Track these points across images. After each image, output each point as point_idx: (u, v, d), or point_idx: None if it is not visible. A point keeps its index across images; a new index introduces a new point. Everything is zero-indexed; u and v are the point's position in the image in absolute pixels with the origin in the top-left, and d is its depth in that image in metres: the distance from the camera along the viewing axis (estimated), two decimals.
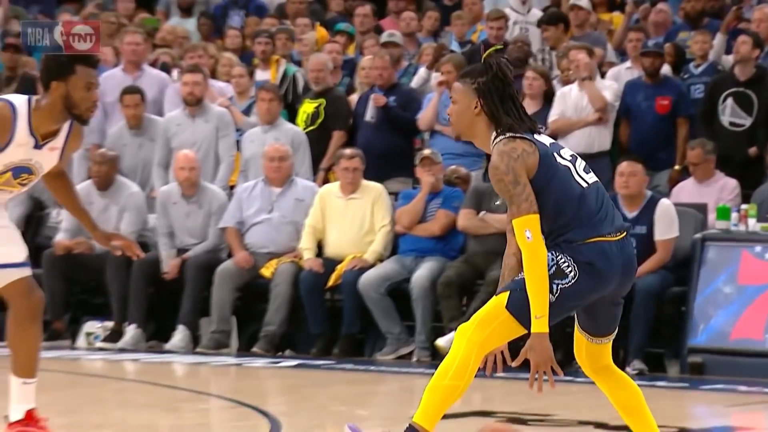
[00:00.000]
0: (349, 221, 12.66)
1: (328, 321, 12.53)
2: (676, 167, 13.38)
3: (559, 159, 6.16)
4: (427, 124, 13.71)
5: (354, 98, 14.18)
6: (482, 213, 12.33)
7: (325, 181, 13.55)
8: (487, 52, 6.31)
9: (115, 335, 12.94)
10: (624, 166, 11.88)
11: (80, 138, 7.21)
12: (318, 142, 13.71)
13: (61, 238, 13.29)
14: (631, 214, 11.77)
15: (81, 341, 13.19)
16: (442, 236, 12.51)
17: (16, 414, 7.17)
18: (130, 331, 12.85)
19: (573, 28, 15.01)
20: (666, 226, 11.78)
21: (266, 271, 12.63)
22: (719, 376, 11.39)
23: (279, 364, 12.00)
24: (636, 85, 13.63)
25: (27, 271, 7.12)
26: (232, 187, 13.61)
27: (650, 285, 11.59)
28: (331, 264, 12.47)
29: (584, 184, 6.18)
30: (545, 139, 6.21)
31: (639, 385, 10.65)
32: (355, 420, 9.11)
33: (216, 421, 9.54)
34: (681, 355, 11.79)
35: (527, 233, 6.01)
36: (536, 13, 15.73)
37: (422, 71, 14.62)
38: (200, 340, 12.79)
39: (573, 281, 6.07)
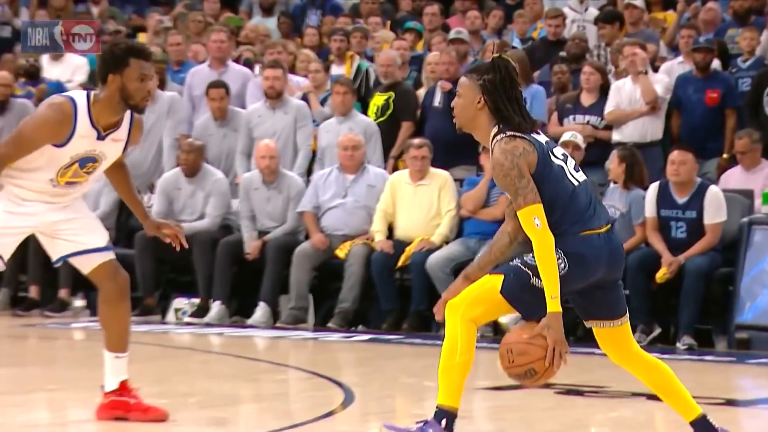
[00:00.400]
0: (418, 206, 12.65)
1: (398, 298, 12.53)
2: (724, 156, 13.26)
3: (553, 158, 6.14)
4: None
5: (421, 92, 14.14)
6: None
7: (395, 168, 13.52)
8: (497, 52, 6.31)
9: (201, 311, 13.00)
10: (675, 155, 11.79)
11: (141, 130, 7.18)
12: (388, 132, 13.70)
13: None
14: (681, 200, 11.69)
15: (170, 316, 13.27)
16: (504, 220, 12.44)
17: (111, 385, 7.20)
18: (215, 307, 12.90)
19: (627, 26, 14.93)
20: (714, 211, 11.67)
21: (341, 252, 12.63)
22: (764, 351, 11.29)
23: (352, 338, 12.00)
24: (687, 79, 13.51)
25: (110, 255, 7.12)
26: (309, 174, 13.62)
27: (699, 266, 11.50)
28: (400, 245, 12.45)
29: (575, 182, 6.15)
30: (542, 138, 6.18)
31: (688, 360, 10.63)
32: (421, 391, 9.09)
33: (294, 391, 9.55)
34: (728, 332, 11.70)
35: (536, 221, 6.00)
36: (593, 12, 15.65)
37: None
38: (280, 316, 12.81)
39: (563, 271, 6.01)
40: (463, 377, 6.22)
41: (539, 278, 6.03)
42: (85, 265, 7.12)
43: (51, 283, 13.46)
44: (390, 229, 12.70)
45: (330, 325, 12.49)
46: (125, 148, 7.07)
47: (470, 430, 7.41)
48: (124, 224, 14.01)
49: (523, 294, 6.09)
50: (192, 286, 13.26)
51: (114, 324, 7.19)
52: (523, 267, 6.11)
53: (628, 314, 6.36)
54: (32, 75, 15.88)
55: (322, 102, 14.27)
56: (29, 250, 12.45)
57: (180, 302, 13.29)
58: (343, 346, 11.78)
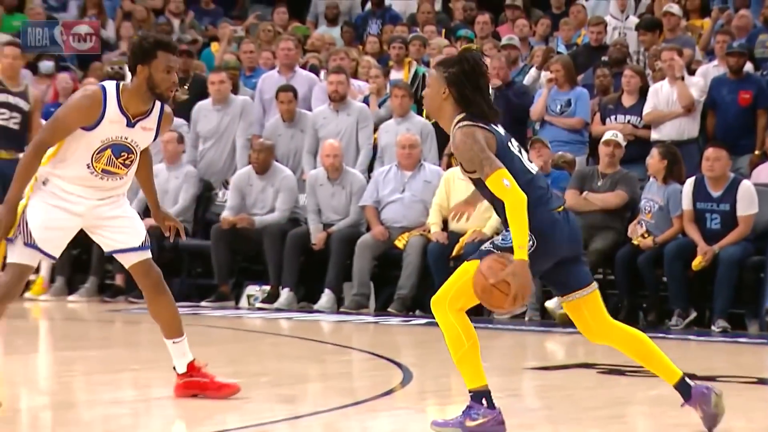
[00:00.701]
0: None
1: None
2: (756, 152, 13.15)
3: (512, 147, 6.16)
4: (538, 115, 13.61)
5: None
6: (585, 193, 12.22)
7: (449, 165, 13.49)
8: (463, 47, 6.31)
9: (271, 297, 13.02)
10: (710, 152, 11.71)
11: (171, 121, 7.16)
12: (441, 131, 13.60)
13: (226, 215, 13.38)
14: (716, 194, 11.61)
15: (243, 302, 13.30)
16: None
17: (180, 368, 7.20)
18: (284, 293, 12.92)
19: (666, 32, 14.83)
20: (747, 204, 11.58)
21: (399, 243, 12.63)
22: None
23: (410, 322, 11.99)
24: (721, 81, 13.41)
25: (144, 255, 7.07)
26: (370, 171, 13.62)
27: (733, 254, 11.43)
28: (454, 236, 12.42)
29: (533, 170, 6.18)
30: (501, 130, 6.18)
31: (723, 342, 10.54)
32: None
33: (356, 370, 9.55)
34: (760, 315, 11.61)
35: (505, 182, 5.95)
36: (633, 20, 15.57)
37: (533, 71, 14.50)
38: (343, 302, 12.82)
39: (533, 249, 6.00)
40: (478, 357, 6.22)
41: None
42: (125, 262, 7.12)
43: None
44: (444, 222, 12.67)
45: (390, 310, 12.48)
46: (156, 137, 7.03)
47: (519, 407, 7.39)
48: (201, 218, 14.07)
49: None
50: (263, 274, 13.29)
51: (161, 315, 7.18)
52: (494, 251, 6.09)
53: (595, 284, 6.33)
54: (117, 79, 15.93)
55: (381, 104, 14.27)
56: None
57: (252, 289, 13.33)
58: (402, 329, 11.77)
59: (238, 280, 13.61)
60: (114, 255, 7.13)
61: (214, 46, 17.22)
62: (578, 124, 13.54)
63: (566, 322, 11.71)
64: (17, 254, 6.75)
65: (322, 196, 13.13)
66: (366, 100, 14.30)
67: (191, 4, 18.85)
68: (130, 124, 6.87)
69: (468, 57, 6.18)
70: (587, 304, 6.29)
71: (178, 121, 14.49)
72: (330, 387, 8.44)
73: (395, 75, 14.97)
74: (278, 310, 12.80)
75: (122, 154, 6.88)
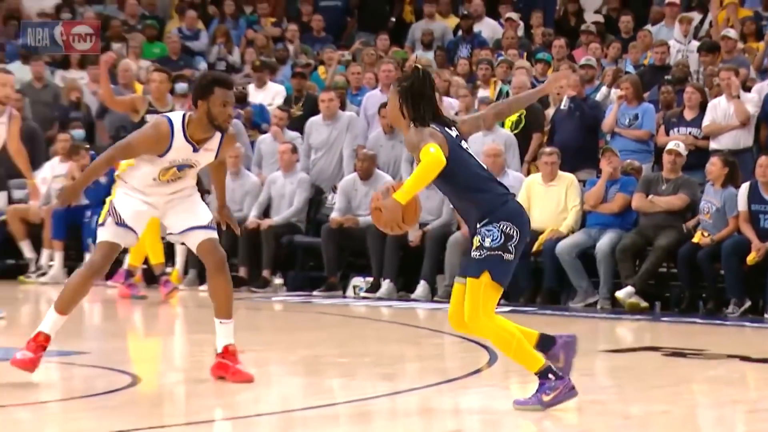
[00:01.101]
0: (549, 202, 12.54)
1: (533, 277, 12.43)
2: None
3: (464, 146, 6.20)
4: (609, 127, 13.48)
5: (549, 111, 14.01)
6: (651, 196, 12.11)
7: (529, 171, 13.41)
8: (414, 64, 6.38)
9: (374, 287, 13.03)
10: (763, 160, 11.60)
11: (234, 141, 7.21)
12: (522, 142, 13.61)
13: (334, 215, 13.42)
14: None
15: (349, 292, 13.32)
16: (620, 213, 12.31)
17: (219, 348, 7.12)
18: (385, 284, 12.92)
19: (723, 54, 14.62)
20: None
21: None
22: None
23: (495, 310, 11.90)
24: None
25: (211, 233, 7.06)
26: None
27: None
28: (534, 234, 12.33)
29: (485, 167, 6.26)
30: (452, 132, 6.22)
31: None
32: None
33: (448, 352, 9.51)
34: None
35: (431, 149, 5.95)
36: (695, 43, 15.38)
37: (604, 89, 14.37)
38: (437, 292, 12.79)
39: (518, 237, 6.06)
40: (525, 345, 6.21)
41: (508, 252, 6.05)
42: (192, 242, 7.07)
43: (256, 265, 13.61)
44: None
45: None
46: (217, 155, 7.07)
47: (593, 385, 7.32)
48: (312, 218, 14.12)
49: (507, 272, 6.13)
50: (367, 267, 13.31)
51: (217, 294, 7.09)
52: (493, 252, 6.08)
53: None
54: (240, 99, 16.03)
55: None
56: (240, 238, 12.63)
57: (357, 280, 13.35)
58: None
59: (345, 272, 13.63)
60: (183, 235, 7.10)
61: (321, 70, 17.28)
62: (645, 135, 13.39)
63: (634, 311, 11.62)
64: (109, 234, 6.92)
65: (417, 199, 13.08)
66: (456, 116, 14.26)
67: (304, 33, 18.93)
68: (196, 150, 6.96)
69: (417, 73, 6.27)
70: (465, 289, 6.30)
71: (293, 134, 14.59)
72: (425, 367, 8.43)
73: (482, 93, 14.90)
74: (380, 298, 12.80)
75: (184, 169, 7.01)
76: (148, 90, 12.23)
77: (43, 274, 14.09)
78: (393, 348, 9.16)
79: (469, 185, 6.16)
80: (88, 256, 13.94)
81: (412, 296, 12.77)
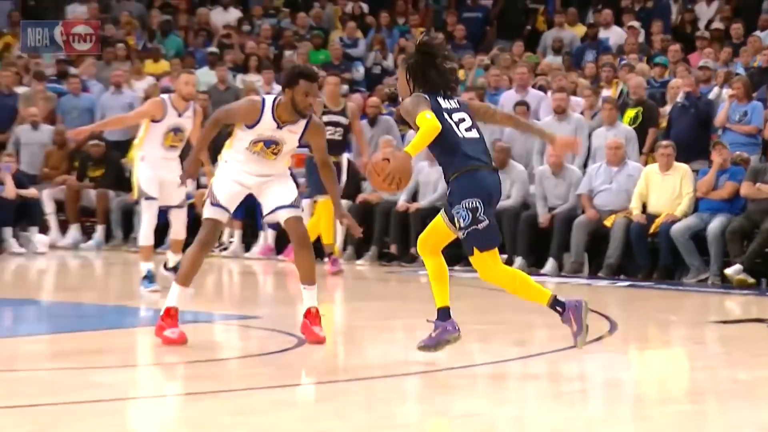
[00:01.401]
0: (665, 190, 12.25)
1: (650, 256, 12.18)
2: None
3: (446, 116, 6.06)
4: (720, 123, 13.12)
5: (666, 108, 13.71)
6: (758, 184, 11.75)
7: (647, 162, 13.14)
8: (419, 39, 6.31)
9: (508, 263, 12.85)
10: None
11: (318, 131, 7.13)
12: (640, 135, 13.35)
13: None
14: None
15: None
16: (729, 200, 11.97)
17: (303, 310, 7.13)
18: (518, 261, 12.78)
19: None
20: None
21: (608, 223, 12.36)
22: None
23: (616, 284, 11.72)
24: None
25: (295, 211, 7.06)
26: (585, 167, 13.36)
27: None
28: (651, 218, 12.08)
29: (461, 136, 6.05)
30: (444, 104, 6.11)
31: None
32: (667, 324, 8.80)
33: None
34: None
35: (427, 115, 5.94)
36: None
37: (716, 89, 14.00)
38: (563, 268, 12.64)
39: (481, 205, 6.03)
40: (529, 281, 6.40)
41: (480, 221, 6.02)
42: (281, 218, 7.10)
43: (405, 243, 13.63)
44: (643, 206, 12.35)
45: (600, 274, 12.26)
46: (300, 140, 7.06)
47: (704, 353, 7.15)
48: None
49: (489, 237, 6.11)
50: (501, 246, 13.17)
51: (301, 263, 7.08)
52: (470, 228, 6.06)
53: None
54: (393, 99, 16.10)
55: (594, 116, 13.99)
56: (391, 218, 12.64)
57: None
58: (609, 290, 11.51)
59: None
60: (272, 215, 7.12)
61: (461, 73, 17.23)
62: (753, 130, 13.00)
63: (742, 286, 11.29)
64: (209, 212, 6.99)
65: (547, 187, 12.97)
66: (582, 113, 14.05)
67: (448, 40, 18.86)
68: (279, 128, 6.99)
69: (420, 47, 6.27)
70: (449, 237, 6.25)
71: None
72: (553, 334, 8.31)
73: (605, 92, 14.66)
74: None
75: (271, 146, 7.00)
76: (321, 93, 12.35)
77: (225, 249, 14.38)
78: (524, 317, 9.07)
79: (440, 150, 6.14)
80: (261, 234, 14.21)
81: (541, 271, 12.63)
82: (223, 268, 13.08)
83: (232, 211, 7.12)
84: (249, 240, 14.23)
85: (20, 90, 16.67)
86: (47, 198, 15.16)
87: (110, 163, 15.31)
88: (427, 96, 6.13)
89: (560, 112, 13.46)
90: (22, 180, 14.75)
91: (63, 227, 15.32)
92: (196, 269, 6.98)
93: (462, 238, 6.16)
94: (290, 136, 7.05)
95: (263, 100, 7.02)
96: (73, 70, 17.59)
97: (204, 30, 19.72)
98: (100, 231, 15.10)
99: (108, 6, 21.05)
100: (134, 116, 10.62)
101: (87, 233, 15.34)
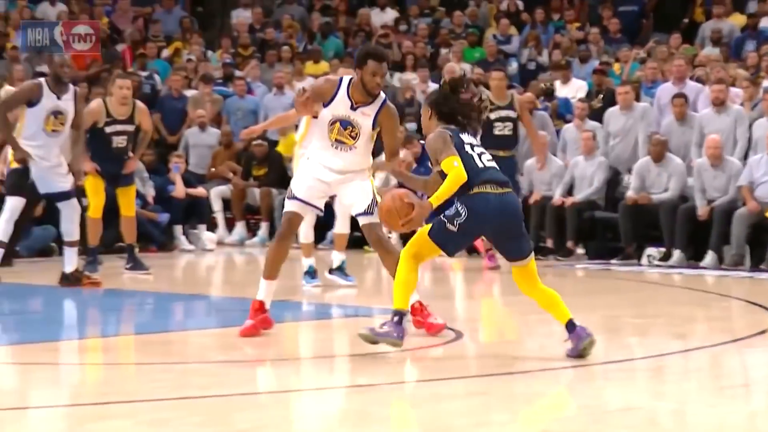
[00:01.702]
0: None
1: None
2: None
3: (467, 148, 6.18)
4: None
5: None
6: None
7: None
8: (444, 82, 6.38)
9: (666, 257, 12.64)
10: None
11: (390, 116, 7.03)
12: None
13: (630, 194, 13.11)
14: None
15: (644, 260, 12.97)
16: None
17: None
18: (676, 254, 12.51)
19: None
20: None
21: None
22: None
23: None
24: None
25: (369, 219, 7.02)
26: (745, 159, 12.94)
27: None
28: None
29: (480, 165, 6.17)
30: (466, 138, 6.25)
31: None
32: None
33: (735, 315, 9.11)
34: None
35: (455, 163, 6.11)
36: None
37: None
38: (724, 260, 12.27)
39: (465, 219, 6.07)
40: (407, 289, 6.34)
41: (452, 224, 6.09)
42: (359, 223, 7.13)
43: (561, 237, 13.50)
44: None
45: (762, 267, 11.86)
46: (374, 124, 6.99)
47: None
48: (611, 196, 13.80)
49: (444, 238, 6.12)
50: (659, 239, 12.92)
51: (385, 264, 7.09)
52: (442, 218, 6.14)
53: (532, 256, 6.32)
54: (548, 94, 15.95)
55: (754, 107, 13.54)
56: (547, 213, 12.49)
57: (651, 250, 12.99)
58: None
59: (640, 243, 13.28)
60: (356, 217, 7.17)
61: (616, 66, 16.95)
62: None
63: None
64: (287, 205, 7.06)
65: (706, 179, 12.61)
66: (741, 104, 13.60)
67: (603, 34, 18.56)
68: (353, 108, 6.98)
69: (441, 89, 6.38)
70: (525, 269, 6.30)
71: (593, 123, 14.31)
72: (713, 327, 8.10)
73: (766, 83, 14.15)
74: (671, 266, 12.41)
75: (348, 127, 6.98)
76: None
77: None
78: (683, 310, 8.85)
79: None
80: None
81: (701, 264, 12.31)
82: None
83: (313, 203, 7.13)
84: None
85: (189, 93, 17.16)
86: (215, 197, 15.59)
87: (273, 162, 15.63)
88: (450, 132, 6.27)
89: (719, 104, 13.08)
90: (190, 180, 15.20)
91: (229, 225, 15.72)
92: (277, 263, 7.06)
93: (433, 218, 6.33)
94: (364, 119, 7.04)
95: (341, 78, 7.13)
96: (238, 73, 18.02)
97: (362, 30, 19.91)
98: (264, 228, 15.43)
99: (270, 10, 21.48)
100: (296, 114, 10.77)
101: (252, 230, 15.70)
